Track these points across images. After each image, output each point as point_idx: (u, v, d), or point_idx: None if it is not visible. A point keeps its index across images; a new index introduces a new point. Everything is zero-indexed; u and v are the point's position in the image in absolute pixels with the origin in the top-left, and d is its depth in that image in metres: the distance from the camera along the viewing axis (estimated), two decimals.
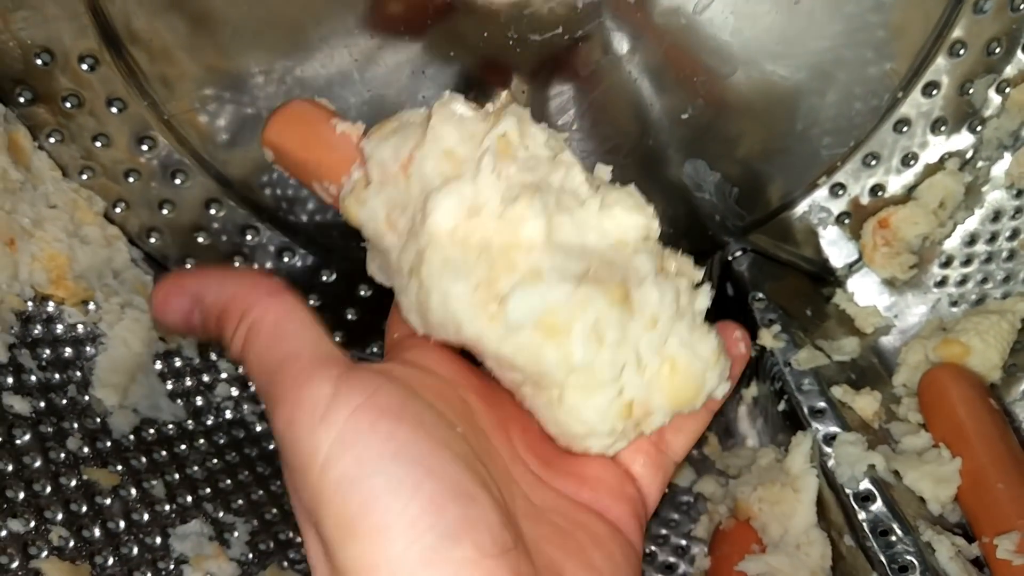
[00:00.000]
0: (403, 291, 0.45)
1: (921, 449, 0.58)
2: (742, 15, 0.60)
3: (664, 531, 0.62)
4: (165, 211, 0.64)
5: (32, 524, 0.46)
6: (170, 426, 0.59)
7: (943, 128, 0.66)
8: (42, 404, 0.52)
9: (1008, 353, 0.61)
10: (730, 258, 0.70)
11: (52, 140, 0.60)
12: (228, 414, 0.63)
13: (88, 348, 0.57)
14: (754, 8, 0.60)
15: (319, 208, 0.67)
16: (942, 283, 0.67)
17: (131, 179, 0.63)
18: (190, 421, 0.60)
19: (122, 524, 0.50)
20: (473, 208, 0.42)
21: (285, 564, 0.55)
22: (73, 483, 0.50)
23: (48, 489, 0.48)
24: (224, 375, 0.64)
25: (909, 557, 0.51)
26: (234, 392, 0.64)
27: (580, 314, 0.41)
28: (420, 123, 0.45)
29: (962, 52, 0.63)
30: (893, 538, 0.52)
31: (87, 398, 0.55)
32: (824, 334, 0.66)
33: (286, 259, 0.68)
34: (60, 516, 0.48)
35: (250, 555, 0.54)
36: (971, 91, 0.65)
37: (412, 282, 0.43)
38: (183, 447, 0.58)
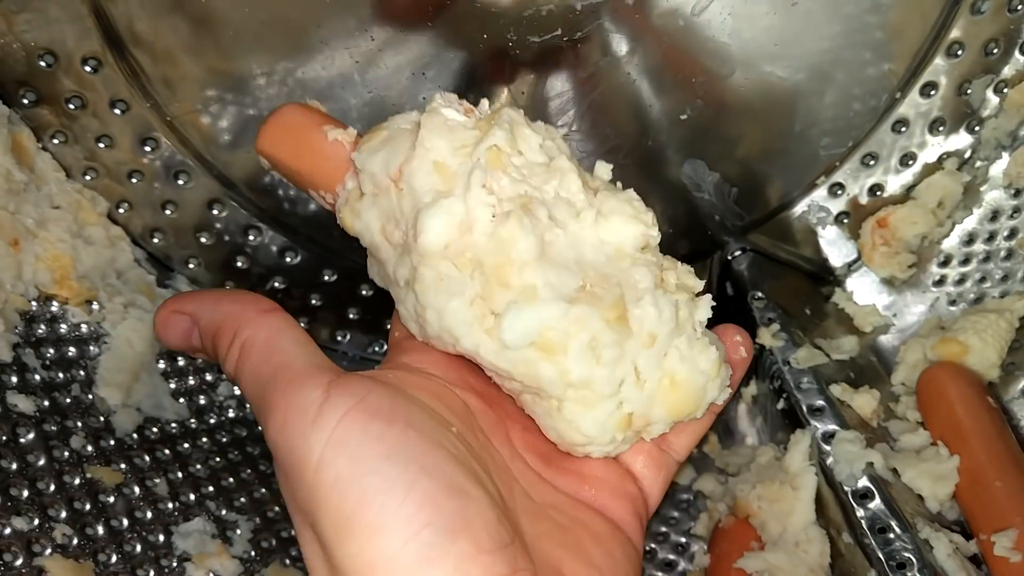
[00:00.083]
0: (401, 300, 0.45)
1: (919, 447, 0.58)
2: (740, 16, 0.60)
3: (664, 529, 0.62)
4: (168, 212, 0.64)
5: (36, 522, 0.47)
6: (173, 425, 0.59)
7: (941, 128, 0.66)
8: (46, 403, 0.52)
9: (1006, 352, 0.61)
10: (729, 258, 0.70)
11: (56, 141, 0.60)
12: (231, 413, 0.63)
13: (91, 347, 0.57)
14: (752, 9, 0.60)
15: (320, 209, 0.67)
16: (940, 282, 0.68)
17: (134, 180, 0.63)
18: (193, 420, 0.61)
19: (125, 522, 0.51)
20: (464, 225, 0.42)
21: (287, 562, 0.55)
22: (77, 481, 0.50)
23: (52, 487, 0.49)
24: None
25: (907, 554, 0.52)
26: (236, 391, 0.64)
27: (576, 333, 0.41)
28: (411, 130, 0.45)
29: (960, 53, 0.63)
30: (891, 535, 0.52)
31: (91, 397, 0.55)
32: (823, 333, 0.66)
33: (288, 259, 0.68)
34: (64, 514, 0.48)
35: (252, 552, 0.55)
36: (969, 91, 0.65)
37: (408, 295, 0.44)
38: (186, 445, 0.58)
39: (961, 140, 0.67)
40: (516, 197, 0.42)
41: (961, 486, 0.55)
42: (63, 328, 0.56)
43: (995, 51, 0.63)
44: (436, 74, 0.61)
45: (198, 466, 0.57)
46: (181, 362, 0.62)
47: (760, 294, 0.66)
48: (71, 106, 0.60)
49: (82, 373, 0.56)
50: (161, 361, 0.61)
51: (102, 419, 0.55)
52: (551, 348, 0.41)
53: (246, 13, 0.58)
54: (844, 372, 0.63)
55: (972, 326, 0.61)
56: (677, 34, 0.61)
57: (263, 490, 0.59)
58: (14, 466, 0.48)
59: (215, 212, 0.65)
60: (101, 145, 0.61)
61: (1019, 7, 0.61)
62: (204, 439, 0.60)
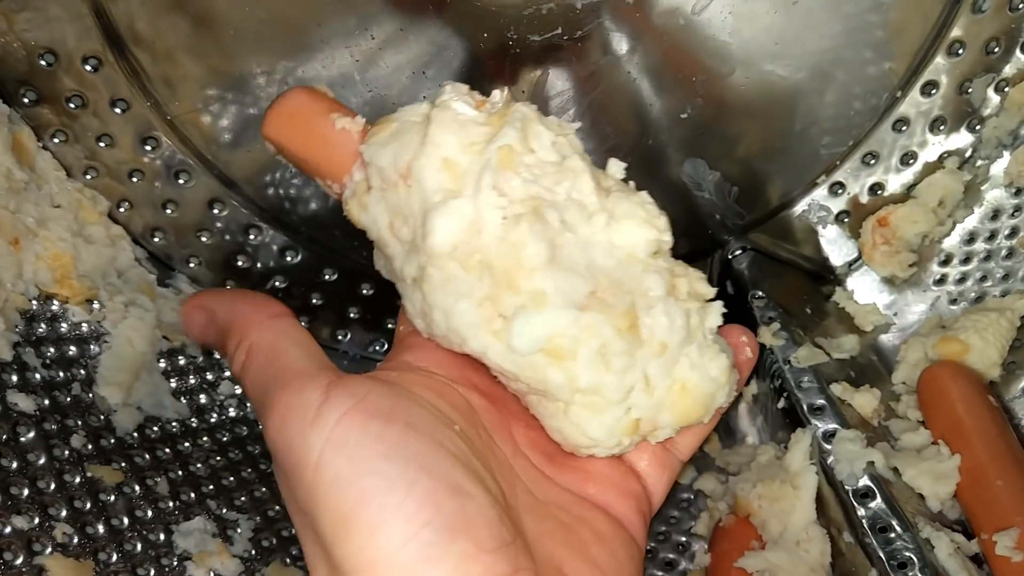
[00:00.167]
0: (407, 297, 0.45)
1: (920, 446, 0.58)
2: (740, 15, 0.60)
3: (665, 528, 0.62)
4: (169, 211, 0.64)
5: (36, 521, 0.47)
6: (173, 423, 0.59)
7: (942, 127, 0.66)
8: (46, 402, 0.52)
9: (1007, 351, 0.61)
10: (730, 257, 0.70)
11: (56, 140, 0.60)
12: (231, 412, 0.63)
13: (92, 346, 0.57)
14: (752, 8, 0.60)
15: (321, 208, 0.67)
16: (941, 281, 0.68)
17: (135, 179, 0.63)
18: (193, 419, 0.61)
19: (126, 521, 0.51)
20: (474, 226, 0.41)
21: (288, 560, 0.55)
22: (77, 480, 0.50)
23: (52, 486, 0.49)
24: (227, 373, 0.64)
25: (908, 553, 0.52)
26: (237, 390, 0.64)
27: (586, 340, 0.41)
28: (420, 123, 0.44)
29: (961, 51, 0.63)
30: (892, 535, 0.52)
31: (91, 396, 0.55)
32: (824, 332, 0.66)
33: (288, 258, 0.68)
34: (64, 513, 0.48)
35: (253, 551, 0.55)
36: (970, 90, 0.65)
37: (415, 293, 0.43)
38: (186, 444, 0.58)
39: (962, 139, 0.67)
40: (527, 199, 0.42)
41: (962, 485, 0.55)
42: (64, 327, 0.56)
43: (996, 50, 0.63)
44: (436, 73, 0.61)
45: (199, 465, 0.57)
46: (182, 361, 0.62)
47: (760, 293, 0.66)
48: (72, 105, 0.60)
49: (82, 372, 0.56)
50: (162, 360, 0.61)
51: (102, 418, 0.55)
52: (560, 354, 0.41)
53: (246, 12, 0.58)
54: (845, 371, 0.63)
55: (973, 325, 0.61)
56: (677, 33, 0.61)
57: (264, 489, 0.59)
58: (14, 465, 0.48)
59: (216, 211, 0.65)
60: (102, 144, 0.61)
61: (1020, 6, 0.61)
62: (205, 438, 0.60)
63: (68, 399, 0.54)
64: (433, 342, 0.46)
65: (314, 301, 0.69)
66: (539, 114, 0.44)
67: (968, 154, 0.67)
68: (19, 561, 0.45)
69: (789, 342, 0.63)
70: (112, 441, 0.54)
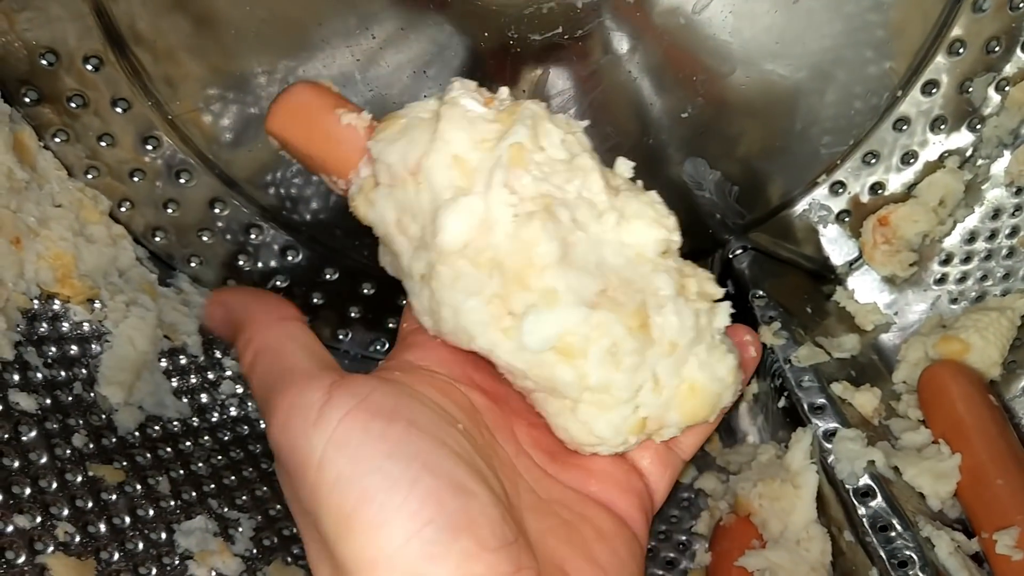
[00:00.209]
0: (415, 294, 0.45)
1: (921, 445, 0.58)
2: (741, 15, 0.60)
3: (665, 527, 0.62)
4: (170, 210, 0.64)
5: (38, 520, 0.47)
6: (175, 423, 0.59)
7: (943, 126, 0.66)
8: (48, 401, 0.52)
9: (1008, 350, 0.61)
10: (730, 256, 0.70)
11: (57, 140, 0.60)
12: (233, 411, 0.63)
13: (93, 346, 0.57)
14: (753, 8, 0.60)
15: (322, 207, 0.67)
16: (942, 280, 0.68)
17: (136, 178, 0.63)
18: (195, 418, 0.61)
19: (127, 520, 0.51)
20: (485, 224, 0.41)
21: (289, 559, 0.55)
22: (79, 479, 0.50)
23: (54, 485, 0.49)
24: (228, 372, 0.64)
25: (909, 552, 0.52)
26: (238, 389, 0.64)
27: (597, 338, 0.41)
28: (429, 120, 0.44)
29: (961, 51, 0.63)
30: (893, 533, 0.52)
31: (92, 395, 0.55)
32: (824, 331, 0.66)
33: (289, 257, 0.68)
34: (66, 512, 0.48)
35: (254, 551, 0.55)
36: (971, 89, 0.65)
37: (424, 290, 0.43)
38: (188, 444, 0.58)
39: (962, 138, 0.67)
40: (538, 197, 0.42)
41: (962, 484, 0.55)
42: (65, 326, 0.56)
43: (996, 49, 0.63)
44: (437, 72, 0.61)
45: (200, 464, 0.57)
46: (183, 360, 0.63)
47: (761, 292, 0.66)
48: (73, 105, 0.60)
49: (84, 371, 0.56)
50: (163, 359, 0.61)
51: (104, 417, 0.55)
52: (571, 352, 0.41)
53: (247, 12, 0.58)
54: (845, 370, 0.63)
55: (973, 324, 0.61)
56: (678, 32, 0.61)
57: (265, 488, 0.59)
58: (16, 464, 0.48)
59: (217, 211, 0.66)
60: (103, 144, 0.61)
61: (1020, 5, 0.61)
62: (206, 437, 0.60)
63: (70, 398, 0.54)
64: (435, 341, 0.46)
65: (315, 300, 0.69)
66: (548, 112, 0.44)
67: (969, 153, 0.67)
68: (21, 560, 0.45)
69: (790, 341, 0.63)
70: (113, 440, 0.54)
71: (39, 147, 0.59)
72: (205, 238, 0.66)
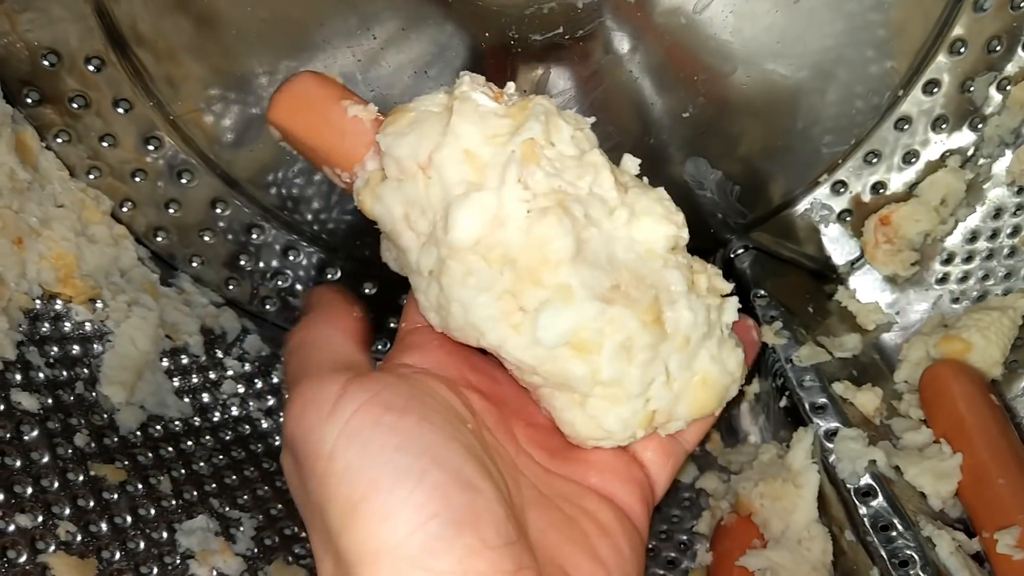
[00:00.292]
0: (421, 290, 0.45)
1: (922, 445, 0.58)
2: (742, 14, 0.60)
3: (666, 527, 0.62)
4: (171, 210, 0.65)
5: (40, 519, 0.47)
6: (176, 423, 0.59)
7: (944, 126, 0.66)
8: (50, 401, 0.52)
9: (1009, 349, 0.61)
10: (732, 256, 0.70)
11: (59, 140, 0.60)
12: (234, 411, 0.64)
13: (95, 345, 0.57)
14: (754, 7, 0.60)
15: (324, 207, 0.67)
16: (943, 280, 0.67)
17: (138, 179, 0.63)
18: (196, 418, 0.61)
19: (129, 519, 0.51)
20: (497, 220, 0.41)
21: (290, 559, 0.55)
22: (80, 479, 0.50)
23: (55, 484, 0.49)
24: (230, 372, 0.65)
25: (910, 552, 0.51)
26: (240, 389, 0.64)
27: (611, 333, 0.41)
28: (439, 114, 0.43)
29: (963, 50, 0.63)
30: (894, 533, 0.52)
31: (94, 395, 0.55)
32: (826, 331, 0.66)
33: (291, 257, 0.68)
34: (67, 511, 0.48)
35: (256, 550, 0.55)
36: (972, 89, 0.65)
37: (432, 286, 0.43)
38: (189, 443, 0.58)
39: (964, 138, 0.66)
40: (550, 193, 0.42)
41: (964, 484, 0.55)
42: (67, 326, 0.57)
43: (998, 48, 0.63)
44: (438, 72, 0.61)
45: (201, 464, 0.57)
46: (184, 360, 0.63)
47: (763, 292, 0.66)
48: (74, 105, 0.60)
49: (86, 371, 0.56)
50: (164, 359, 0.61)
51: (106, 417, 0.55)
52: (585, 347, 0.41)
53: (248, 12, 0.58)
54: (847, 370, 0.63)
55: (975, 324, 0.61)
56: (679, 32, 0.61)
57: (266, 488, 0.59)
58: (18, 463, 0.48)
59: (218, 211, 0.66)
60: (104, 144, 0.62)
61: (1022, 4, 0.61)
62: (207, 437, 0.60)
63: (71, 398, 0.54)
64: (434, 343, 0.46)
65: None
66: (557, 108, 0.44)
67: (970, 152, 0.67)
68: (23, 559, 0.45)
69: (791, 341, 0.63)
70: (115, 440, 0.54)
71: (41, 148, 0.59)
72: (207, 238, 0.66)
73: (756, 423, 0.66)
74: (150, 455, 0.55)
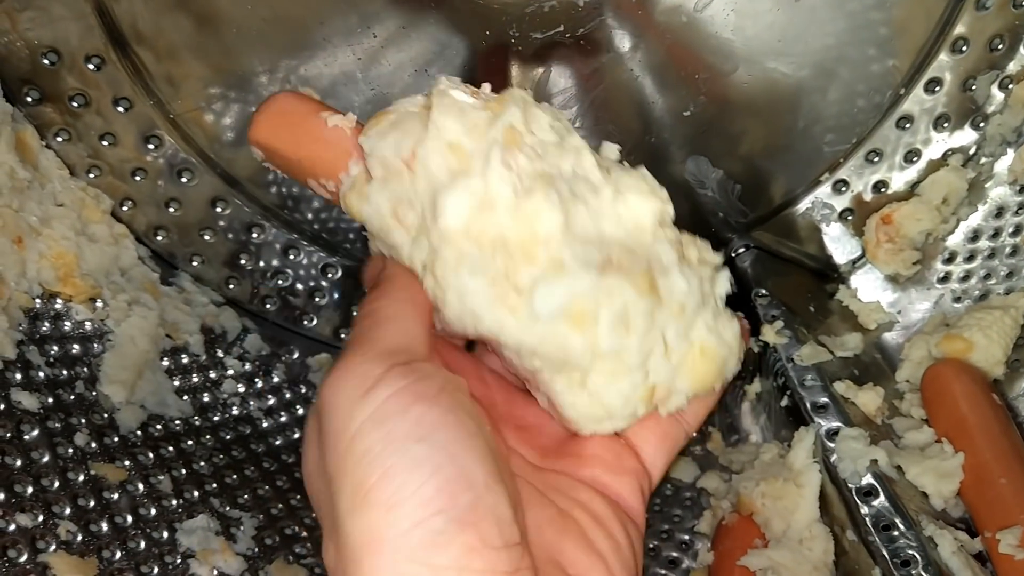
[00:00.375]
0: None
1: (924, 444, 0.58)
2: (743, 13, 0.60)
3: (667, 526, 0.62)
4: (172, 209, 0.65)
5: (40, 518, 0.47)
6: (177, 422, 0.59)
7: (946, 124, 0.66)
8: (50, 400, 0.52)
9: (1011, 348, 0.60)
10: (733, 255, 0.70)
11: (59, 139, 0.60)
12: (234, 410, 0.63)
13: (95, 345, 0.57)
14: (755, 6, 0.60)
15: (325, 206, 0.67)
16: (945, 279, 0.67)
17: (138, 178, 0.63)
18: (197, 417, 0.61)
19: (129, 519, 0.51)
20: (485, 203, 0.41)
21: (291, 558, 0.55)
22: (81, 478, 0.50)
23: (56, 484, 0.49)
24: (230, 371, 0.65)
25: (911, 552, 0.51)
26: (240, 388, 0.64)
27: (607, 302, 0.41)
28: (419, 113, 0.44)
29: (964, 49, 0.63)
30: (896, 533, 0.52)
31: (95, 394, 0.55)
32: (827, 330, 0.66)
33: (292, 256, 0.68)
34: (68, 511, 0.48)
35: (256, 549, 0.55)
36: (974, 87, 0.65)
37: (426, 279, 0.43)
38: (190, 443, 0.58)
39: (966, 136, 0.66)
40: (535, 174, 0.42)
41: (966, 483, 0.55)
42: (67, 325, 0.57)
43: (1000, 47, 0.63)
44: (439, 71, 0.61)
45: (202, 463, 0.57)
46: (185, 359, 0.63)
47: (764, 291, 0.66)
48: (74, 104, 0.60)
49: (86, 370, 0.56)
50: (165, 358, 0.61)
51: (106, 416, 0.55)
52: (582, 319, 0.41)
53: (248, 11, 0.58)
54: (848, 369, 0.63)
55: (977, 323, 0.61)
56: (680, 30, 0.61)
57: (267, 488, 0.59)
58: (18, 463, 0.48)
59: (218, 210, 0.66)
60: (104, 143, 0.61)
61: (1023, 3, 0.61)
62: (208, 436, 0.60)
63: (72, 397, 0.54)
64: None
65: (317, 299, 0.69)
66: (533, 100, 0.45)
67: (972, 151, 0.67)
68: (23, 559, 0.45)
69: (792, 340, 0.63)
70: (115, 439, 0.54)
71: (41, 146, 0.59)
72: (207, 237, 0.66)
73: (757, 422, 0.66)
74: (150, 454, 0.55)
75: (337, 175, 0.46)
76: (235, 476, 0.58)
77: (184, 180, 0.64)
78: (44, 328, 0.55)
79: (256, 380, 0.65)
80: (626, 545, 0.43)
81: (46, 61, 0.58)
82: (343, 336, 0.70)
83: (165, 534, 0.52)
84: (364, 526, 0.35)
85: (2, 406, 0.49)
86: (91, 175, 0.62)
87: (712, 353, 0.45)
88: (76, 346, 0.56)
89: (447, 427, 0.37)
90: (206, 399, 0.62)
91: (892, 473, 0.55)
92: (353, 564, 0.35)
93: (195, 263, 0.66)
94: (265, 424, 0.64)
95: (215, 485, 0.57)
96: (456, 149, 0.42)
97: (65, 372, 0.54)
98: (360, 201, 0.45)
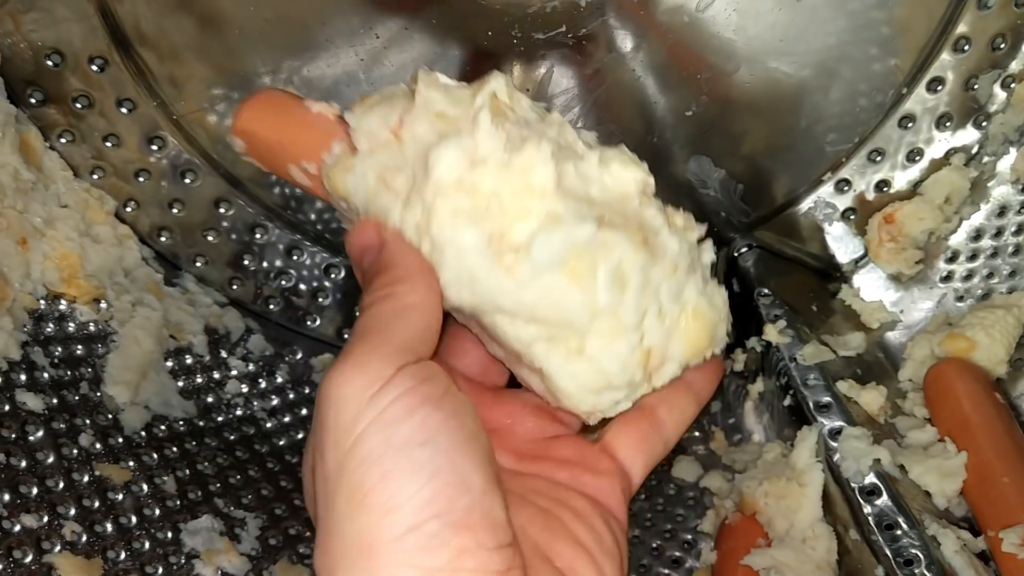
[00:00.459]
0: None
1: (927, 443, 0.58)
2: (745, 12, 0.60)
3: (671, 526, 0.62)
4: (175, 210, 0.65)
5: (45, 519, 0.47)
6: (181, 423, 0.59)
7: (948, 124, 0.66)
8: (55, 401, 0.52)
9: (1014, 347, 0.60)
10: (736, 254, 0.70)
11: (63, 140, 0.60)
12: (238, 411, 0.64)
13: (100, 346, 0.57)
14: (757, 5, 0.60)
15: (327, 206, 0.67)
16: (948, 278, 0.67)
17: (141, 179, 0.63)
18: (200, 418, 0.61)
19: (134, 519, 0.51)
20: (476, 160, 0.42)
21: (295, 558, 0.55)
22: (85, 479, 0.50)
23: (61, 485, 0.49)
24: (234, 372, 0.65)
25: (915, 551, 0.51)
26: (244, 389, 0.65)
27: (604, 256, 0.42)
28: (403, 94, 0.45)
29: (967, 48, 0.63)
30: (899, 532, 0.52)
31: (99, 395, 0.55)
32: (830, 329, 0.66)
33: (295, 257, 0.68)
34: (73, 511, 0.48)
35: (260, 550, 0.55)
36: (976, 87, 0.65)
37: (423, 243, 0.43)
38: (194, 443, 0.58)
39: (968, 135, 0.66)
40: (522, 137, 0.43)
41: (969, 482, 0.55)
42: (71, 326, 0.57)
43: (1002, 46, 0.63)
44: (440, 71, 0.61)
45: (206, 464, 0.57)
46: (189, 360, 0.63)
47: (766, 290, 0.66)
48: (78, 105, 0.60)
49: (90, 371, 0.56)
50: (169, 359, 0.61)
51: (110, 417, 0.55)
52: (579, 272, 0.42)
53: (251, 12, 0.58)
54: (851, 368, 0.63)
55: (979, 322, 0.61)
56: (682, 30, 0.61)
57: (270, 488, 0.59)
58: (23, 464, 0.48)
59: (222, 210, 0.66)
60: (108, 144, 0.62)
61: None
62: (211, 437, 0.60)
63: (76, 398, 0.54)
64: None
65: (320, 300, 0.69)
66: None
67: (974, 150, 0.67)
68: (28, 559, 0.45)
69: (795, 339, 0.63)
70: (120, 440, 0.54)
71: (45, 148, 0.59)
72: (210, 238, 0.66)
73: (760, 422, 0.66)
74: (155, 455, 0.55)
75: (318, 156, 0.46)
76: (239, 476, 0.58)
77: (187, 181, 0.64)
78: (48, 329, 0.55)
79: (260, 381, 0.66)
80: (608, 537, 0.44)
81: (50, 62, 0.58)
82: (346, 336, 0.70)
83: (169, 534, 0.52)
84: (360, 529, 0.35)
85: (7, 407, 0.49)
86: (95, 176, 0.62)
87: (704, 315, 0.46)
88: (80, 347, 0.56)
89: (449, 430, 0.37)
90: (210, 400, 0.63)
91: (895, 472, 0.55)
92: (346, 567, 0.35)
93: (199, 264, 0.66)
94: (269, 425, 0.64)
95: (219, 485, 0.57)
96: (443, 117, 0.43)
97: (69, 373, 0.55)
98: (344, 173, 0.45)
